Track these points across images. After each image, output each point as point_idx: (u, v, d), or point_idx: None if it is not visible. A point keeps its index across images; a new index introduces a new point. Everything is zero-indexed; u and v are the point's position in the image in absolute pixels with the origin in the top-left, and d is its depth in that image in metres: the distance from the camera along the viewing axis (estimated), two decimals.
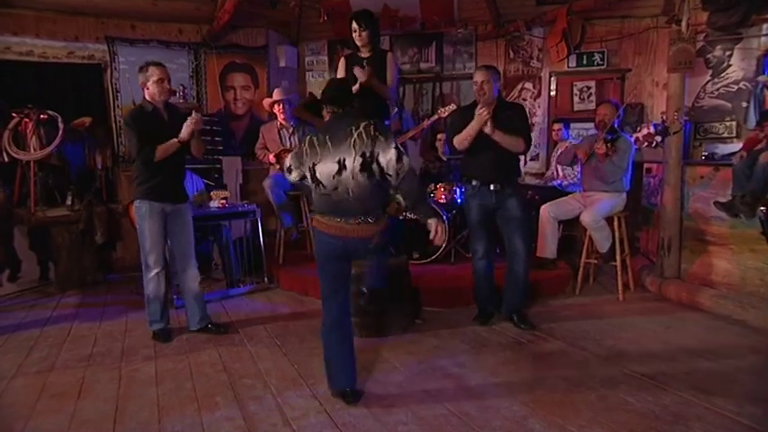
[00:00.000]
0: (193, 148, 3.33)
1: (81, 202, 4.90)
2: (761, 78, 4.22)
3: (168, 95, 3.26)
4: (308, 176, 2.48)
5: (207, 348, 3.25)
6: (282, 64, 6.13)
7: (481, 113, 3.17)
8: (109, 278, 5.11)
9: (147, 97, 3.25)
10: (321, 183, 2.43)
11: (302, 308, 4.08)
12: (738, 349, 3.06)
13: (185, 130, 3.16)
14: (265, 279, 4.72)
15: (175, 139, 3.16)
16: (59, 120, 4.74)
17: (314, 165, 2.44)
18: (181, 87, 5.49)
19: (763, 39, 4.46)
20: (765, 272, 3.25)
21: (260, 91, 6.04)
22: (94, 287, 4.84)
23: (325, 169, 2.40)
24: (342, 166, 2.37)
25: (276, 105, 4.84)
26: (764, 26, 4.26)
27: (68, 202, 4.88)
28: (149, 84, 3.19)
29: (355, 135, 2.37)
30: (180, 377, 2.86)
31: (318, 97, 2.66)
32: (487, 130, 3.20)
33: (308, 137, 2.50)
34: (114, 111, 5.41)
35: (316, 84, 6.39)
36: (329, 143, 2.41)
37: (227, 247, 4.65)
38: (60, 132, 4.73)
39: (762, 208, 3.11)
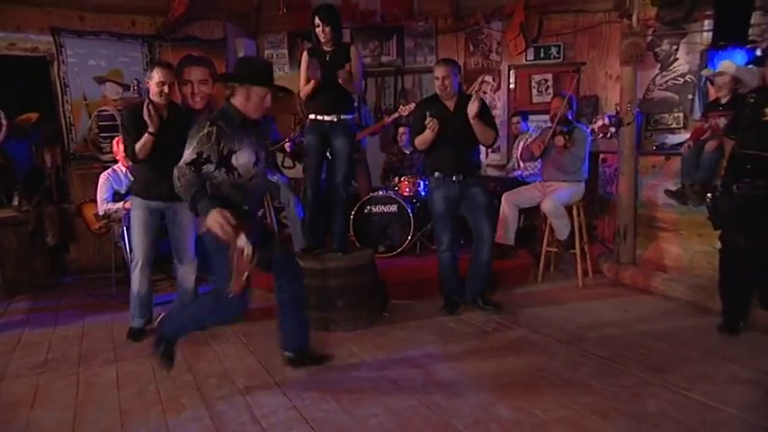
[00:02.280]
0: None
1: (29, 203, 4.67)
2: (704, 72, 4.44)
3: (166, 99, 3.21)
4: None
5: None
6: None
7: (431, 126, 3.26)
8: (63, 281, 4.89)
9: (150, 95, 3.24)
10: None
11: (267, 305, 3.99)
12: (688, 330, 3.22)
13: (150, 125, 3.11)
14: None
15: (146, 134, 3.12)
16: (2, 116, 4.48)
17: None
18: (135, 81, 5.28)
19: (705, 34, 4.67)
20: (711, 255, 3.42)
21: (219, 85, 5.88)
22: (47, 291, 4.61)
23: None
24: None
25: None
26: (706, 22, 4.46)
27: (15, 202, 4.64)
28: (150, 84, 3.19)
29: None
30: (142, 380, 2.77)
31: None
32: (472, 113, 3.25)
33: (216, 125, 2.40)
34: (63, 106, 5.15)
35: (276, 78, 6.25)
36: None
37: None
38: (3, 129, 4.47)
39: (709, 195, 3.27)
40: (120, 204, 4.17)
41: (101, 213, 4.23)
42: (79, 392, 2.67)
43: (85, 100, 5.22)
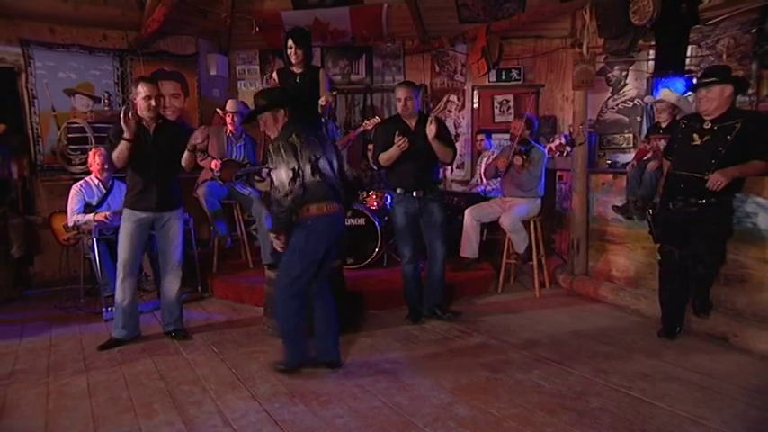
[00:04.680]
0: (183, 160, 3.37)
1: None
2: (647, 99, 4.83)
3: (154, 112, 3.30)
4: (308, 169, 2.78)
5: (141, 359, 3.23)
6: (213, 72, 6.09)
7: (400, 144, 3.44)
8: (27, 293, 4.84)
9: (137, 110, 3.31)
10: (323, 174, 2.84)
11: (238, 315, 4.12)
12: (632, 335, 3.50)
13: (126, 131, 3.18)
14: (199, 288, 4.69)
15: (122, 139, 3.19)
16: None
17: (316, 159, 2.83)
18: (106, 94, 5.32)
19: (650, 62, 5.09)
20: (654, 266, 3.71)
21: (190, 99, 5.97)
22: (10, 303, 4.57)
23: (325, 164, 2.88)
24: (330, 163, 2.93)
25: (228, 116, 4.86)
26: (651, 52, 4.87)
27: None
28: (137, 99, 3.27)
29: (329, 141, 2.96)
30: (114, 388, 2.84)
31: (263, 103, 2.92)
32: (432, 136, 3.47)
33: (298, 135, 2.80)
34: (31, 117, 5.13)
35: (247, 93, 6.40)
36: (319, 143, 2.89)
37: (157, 256, 4.57)
38: None
39: (649, 210, 3.57)
40: (90, 216, 4.20)
41: (70, 224, 4.25)
42: (50, 401, 2.71)
43: (54, 112, 5.22)
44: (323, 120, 3.92)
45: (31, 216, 4.99)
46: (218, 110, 5.12)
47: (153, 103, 3.27)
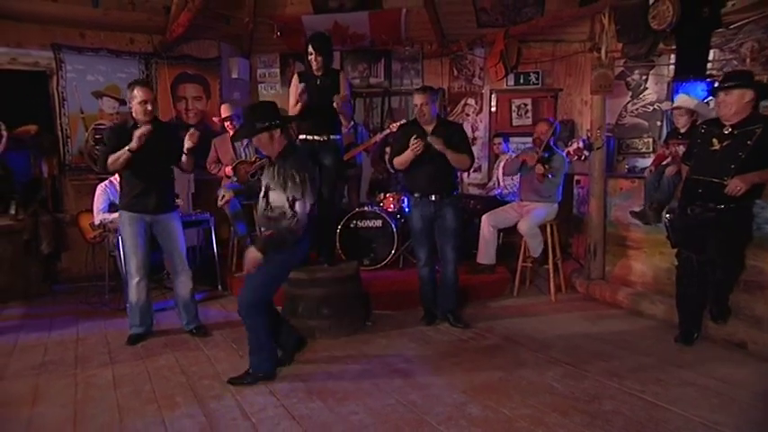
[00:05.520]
0: (184, 164, 3.48)
1: (25, 212, 4.81)
2: (664, 106, 4.79)
3: (149, 116, 3.35)
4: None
5: (163, 353, 3.34)
6: (235, 75, 6.23)
7: (415, 147, 3.46)
8: (54, 289, 5.01)
9: (133, 113, 3.39)
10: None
11: None
12: (648, 340, 3.48)
13: (135, 142, 3.24)
14: (219, 287, 4.80)
15: (126, 148, 3.26)
16: (2, 127, 4.64)
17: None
18: None
19: (671, 66, 5.05)
20: (671, 271, 3.68)
21: (212, 102, 6.11)
22: (39, 298, 4.74)
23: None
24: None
25: (227, 122, 4.95)
26: (672, 56, 4.83)
27: (12, 211, 4.78)
28: (132, 104, 3.33)
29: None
30: (138, 381, 2.94)
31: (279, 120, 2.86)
32: (440, 148, 3.49)
33: (304, 167, 2.81)
34: (61, 119, 5.33)
35: (268, 96, 6.53)
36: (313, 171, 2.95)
37: None
38: (3, 140, 4.63)
39: (666, 215, 3.56)
40: (115, 215, 4.30)
41: (97, 223, 4.39)
42: (78, 391, 2.83)
43: (82, 113, 5.41)
44: (352, 123, 3.98)
45: (59, 214, 5.17)
46: (215, 118, 5.20)
47: (149, 107, 3.32)
